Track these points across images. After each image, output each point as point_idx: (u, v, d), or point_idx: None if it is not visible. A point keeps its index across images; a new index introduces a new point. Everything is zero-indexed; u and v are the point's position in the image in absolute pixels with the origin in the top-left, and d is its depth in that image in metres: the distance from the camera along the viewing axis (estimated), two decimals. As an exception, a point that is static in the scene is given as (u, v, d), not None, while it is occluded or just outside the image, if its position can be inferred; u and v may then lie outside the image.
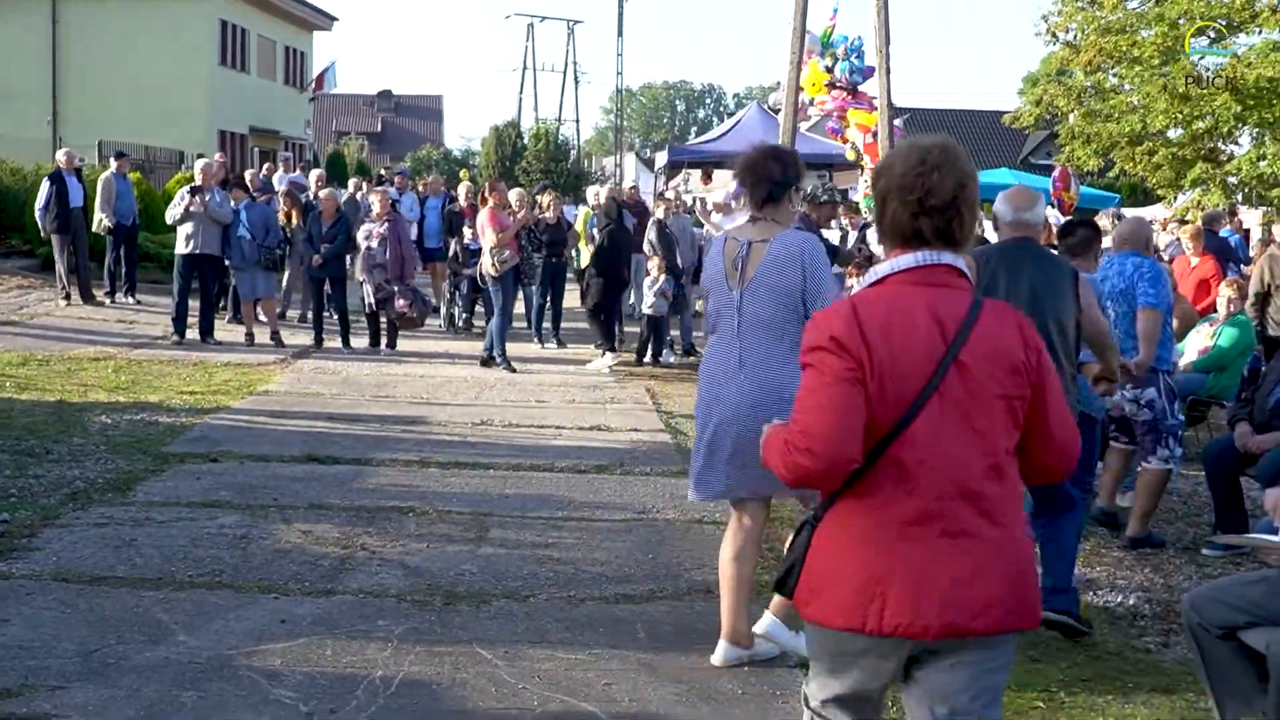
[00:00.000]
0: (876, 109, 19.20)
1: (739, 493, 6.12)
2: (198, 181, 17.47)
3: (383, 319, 17.36)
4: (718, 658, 6.26)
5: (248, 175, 22.32)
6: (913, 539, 3.52)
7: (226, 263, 17.69)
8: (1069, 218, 15.32)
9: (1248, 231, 24.87)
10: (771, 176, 6.08)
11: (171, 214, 17.39)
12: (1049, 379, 3.66)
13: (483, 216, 16.24)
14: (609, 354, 16.68)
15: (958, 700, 3.66)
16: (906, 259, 3.68)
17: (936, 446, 3.53)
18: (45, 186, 20.07)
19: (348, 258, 17.62)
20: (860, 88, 20.06)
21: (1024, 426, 3.64)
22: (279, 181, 23.30)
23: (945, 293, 3.64)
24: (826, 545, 3.65)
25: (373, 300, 17.16)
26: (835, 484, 3.60)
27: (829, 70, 19.85)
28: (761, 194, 6.09)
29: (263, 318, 17.82)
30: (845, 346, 3.52)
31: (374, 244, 16.95)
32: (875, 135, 19.07)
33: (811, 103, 20.67)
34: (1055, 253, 7.36)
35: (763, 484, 5.90)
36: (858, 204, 20.14)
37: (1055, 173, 22.14)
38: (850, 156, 21.11)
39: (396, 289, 16.91)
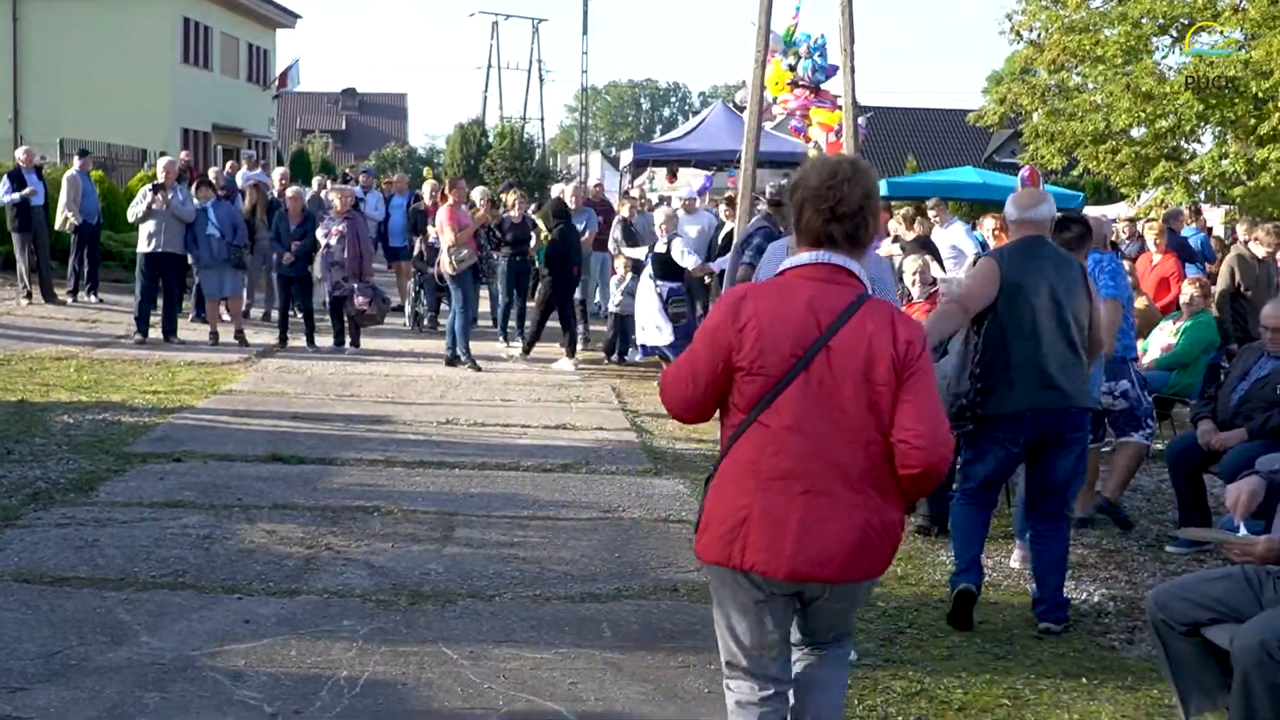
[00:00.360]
0: (839, 108, 19.19)
1: None
2: (160, 179, 17.40)
3: (345, 317, 17.30)
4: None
5: (211, 173, 22.23)
6: (775, 492, 4.13)
7: (190, 261, 17.62)
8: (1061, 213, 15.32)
9: (1210, 229, 24.97)
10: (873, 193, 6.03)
11: (134, 211, 17.30)
12: (919, 369, 4.14)
13: (442, 214, 16.30)
14: (513, 346, 17.21)
15: (818, 630, 4.45)
16: (804, 256, 4.30)
17: (803, 418, 4.12)
18: (4, 183, 19.94)
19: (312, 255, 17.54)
20: (823, 86, 20.04)
21: (890, 411, 4.12)
22: (242, 179, 23.19)
23: (830, 288, 4.21)
24: (712, 492, 4.31)
25: (327, 298, 17.13)
26: (686, 422, 4.50)
27: (792, 69, 19.83)
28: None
29: (226, 316, 17.75)
30: (721, 333, 4.21)
31: (332, 241, 16.89)
32: (838, 134, 19.06)
33: (774, 101, 20.64)
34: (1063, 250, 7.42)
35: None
36: None
37: (1025, 173, 22.08)
38: (813, 155, 21.15)
39: (356, 286, 16.83)
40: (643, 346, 15.69)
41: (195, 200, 17.43)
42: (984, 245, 15.79)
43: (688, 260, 15.22)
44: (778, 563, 4.11)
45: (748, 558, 4.14)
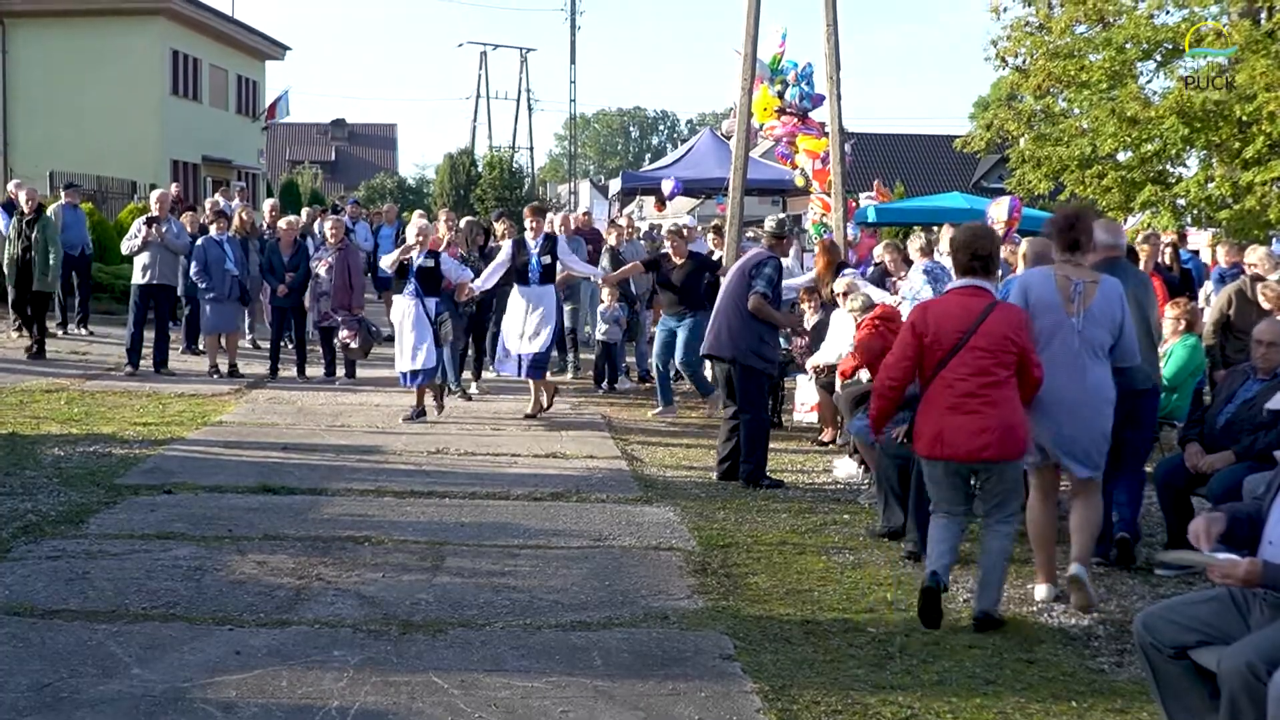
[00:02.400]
0: (825, 135, 19.29)
1: (1080, 471, 7.92)
2: (154, 212, 17.48)
3: (338, 347, 17.27)
4: (1041, 595, 8.05)
5: (208, 204, 22.29)
6: (953, 412, 7.32)
7: (180, 293, 17.70)
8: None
9: (1196, 252, 25.01)
10: (1091, 232, 8.10)
11: (129, 245, 17.38)
12: (1026, 344, 7.37)
13: None
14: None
15: (987, 497, 7.55)
16: (957, 282, 7.64)
17: (964, 370, 7.29)
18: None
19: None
20: (810, 114, 20.11)
21: (1015, 366, 7.32)
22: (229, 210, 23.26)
23: (974, 299, 7.43)
24: (920, 417, 7.52)
25: (314, 328, 17.10)
26: (900, 391, 7.62)
27: (779, 96, 19.90)
28: (1087, 244, 8.02)
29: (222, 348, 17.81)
30: (915, 327, 7.49)
31: (321, 272, 16.87)
32: (824, 160, 19.13)
33: (761, 128, 20.72)
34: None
35: (1088, 463, 7.89)
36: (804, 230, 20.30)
37: (1013, 202, 21.56)
38: (799, 183, 21.15)
39: (340, 319, 16.67)
40: (405, 375, 14.38)
41: (214, 232, 17.53)
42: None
43: (464, 275, 14.71)
44: (958, 451, 7.33)
45: (944, 451, 7.37)
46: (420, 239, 14.46)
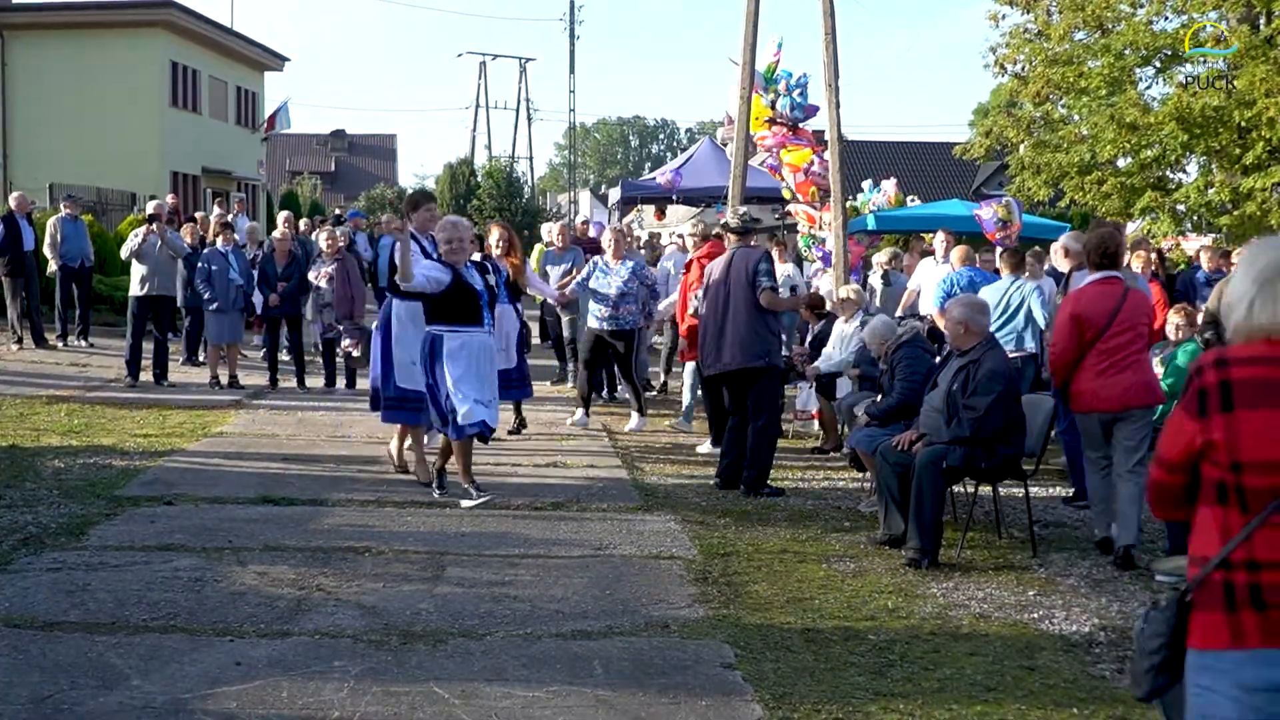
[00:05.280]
0: (812, 146, 19.27)
1: None
2: (150, 211, 17.64)
3: (339, 357, 17.31)
4: None
5: (199, 216, 22.34)
6: (1105, 376, 9.10)
7: (194, 302, 17.80)
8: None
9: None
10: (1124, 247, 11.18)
11: (130, 245, 17.44)
12: (1147, 313, 9.38)
13: None
14: None
15: (1126, 442, 9.16)
16: (1095, 275, 9.39)
17: (1112, 344, 9.10)
18: (-2, 228, 20.01)
19: (301, 298, 17.61)
20: (802, 125, 20.03)
21: (1148, 335, 9.35)
22: (238, 223, 23.32)
23: (1111, 287, 9.28)
24: (1076, 382, 9.23)
25: (319, 340, 17.11)
26: (1069, 366, 9.23)
27: (772, 106, 19.84)
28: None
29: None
30: (1073, 315, 9.23)
31: (322, 284, 16.92)
32: (806, 172, 19.11)
33: (753, 138, 20.68)
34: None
35: None
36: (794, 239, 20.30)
37: (1015, 205, 21.31)
38: (786, 195, 21.09)
39: (343, 328, 16.79)
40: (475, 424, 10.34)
41: (219, 244, 17.59)
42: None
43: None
44: (1114, 404, 9.10)
45: (1101, 405, 9.13)
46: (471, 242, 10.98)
